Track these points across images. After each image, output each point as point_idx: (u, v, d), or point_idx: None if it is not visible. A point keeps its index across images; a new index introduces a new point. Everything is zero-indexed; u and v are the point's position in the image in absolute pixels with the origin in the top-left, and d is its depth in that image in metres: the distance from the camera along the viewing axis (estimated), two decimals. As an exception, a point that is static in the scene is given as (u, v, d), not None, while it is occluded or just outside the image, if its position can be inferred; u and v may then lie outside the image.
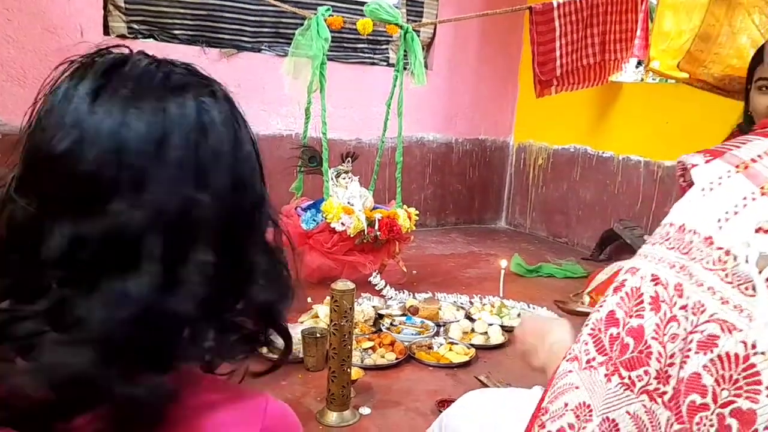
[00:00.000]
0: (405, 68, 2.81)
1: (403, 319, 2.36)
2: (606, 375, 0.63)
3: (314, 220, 2.60)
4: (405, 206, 2.82)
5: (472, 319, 2.41)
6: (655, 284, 0.62)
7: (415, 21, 3.79)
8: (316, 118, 2.75)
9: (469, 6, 3.88)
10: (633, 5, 3.28)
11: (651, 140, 3.47)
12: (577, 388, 0.65)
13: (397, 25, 2.73)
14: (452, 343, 2.17)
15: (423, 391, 1.86)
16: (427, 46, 3.98)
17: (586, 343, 0.66)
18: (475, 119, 4.23)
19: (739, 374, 0.54)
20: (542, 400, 0.68)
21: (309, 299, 2.51)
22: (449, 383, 1.94)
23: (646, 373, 0.60)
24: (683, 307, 0.59)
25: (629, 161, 3.60)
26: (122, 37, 3.09)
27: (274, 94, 3.42)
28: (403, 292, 2.65)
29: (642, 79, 3.70)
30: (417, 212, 2.84)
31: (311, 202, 2.75)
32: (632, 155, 3.58)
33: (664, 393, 0.59)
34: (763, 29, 2.76)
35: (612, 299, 0.65)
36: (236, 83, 3.33)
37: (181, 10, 3.20)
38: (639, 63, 3.60)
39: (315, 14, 2.61)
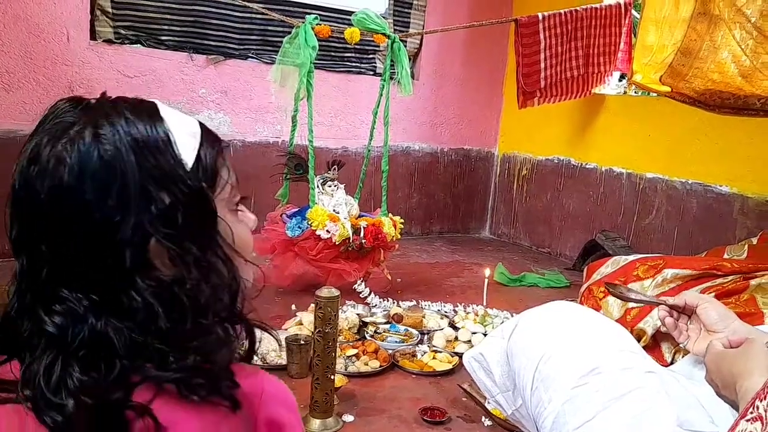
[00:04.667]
0: (392, 78, 2.82)
1: (387, 326, 2.37)
2: None
3: (299, 227, 2.60)
4: (390, 215, 2.84)
5: (456, 328, 2.42)
6: None
7: (402, 31, 3.82)
8: (302, 125, 2.76)
9: (456, 17, 3.91)
10: (617, 19, 3.33)
11: (633, 152, 3.52)
12: None
13: (384, 34, 2.75)
14: (436, 351, 2.18)
15: (406, 399, 1.87)
16: (414, 57, 4.00)
17: None
18: (460, 129, 4.26)
19: None
20: None
21: (293, 306, 2.51)
22: (432, 391, 1.94)
23: None
24: None
25: (612, 173, 3.64)
26: (109, 42, 3.09)
27: (260, 101, 3.42)
28: (388, 300, 2.66)
29: (625, 92, 3.76)
30: (402, 221, 2.85)
31: (297, 209, 2.75)
32: (615, 167, 3.62)
33: None
34: (743, 45, 2.82)
35: None
36: (223, 90, 3.35)
37: (169, 17, 3.20)
38: (622, 76, 3.65)
39: (303, 22, 2.62)
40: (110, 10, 3.07)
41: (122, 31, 3.12)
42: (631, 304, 2.18)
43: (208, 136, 0.71)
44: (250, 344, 0.73)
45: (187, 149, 0.67)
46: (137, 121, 0.65)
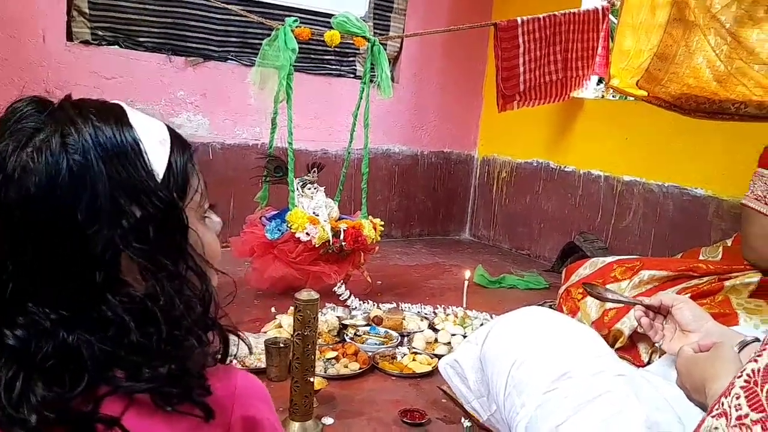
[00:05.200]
0: (371, 81, 2.83)
1: (367, 329, 2.37)
2: None
3: (279, 229, 2.60)
4: (370, 217, 2.84)
5: (435, 330, 2.42)
6: None
7: (382, 34, 3.83)
8: (282, 128, 2.75)
9: (435, 21, 3.93)
10: (594, 24, 3.36)
11: (611, 155, 3.56)
12: None
13: (364, 37, 2.75)
14: (416, 353, 2.19)
15: (386, 401, 1.87)
16: (394, 60, 4.01)
17: (738, 397, 0.57)
18: (440, 132, 4.28)
19: None
20: None
21: (273, 309, 2.50)
22: (412, 393, 1.95)
23: None
24: None
25: (590, 175, 3.68)
26: (86, 43, 3.05)
27: (240, 103, 3.41)
28: (368, 303, 2.66)
29: (603, 96, 3.79)
30: (382, 223, 2.85)
31: (276, 211, 2.74)
32: (593, 170, 3.66)
33: None
34: (718, 50, 2.86)
35: None
36: (202, 92, 3.33)
37: (147, 18, 3.17)
38: (600, 80, 3.69)
39: (282, 25, 2.61)
40: (87, 10, 3.04)
41: (99, 32, 3.09)
42: (609, 305, 2.20)
43: (177, 142, 0.69)
44: (225, 349, 0.72)
45: (158, 158, 0.65)
46: (105, 127, 0.62)
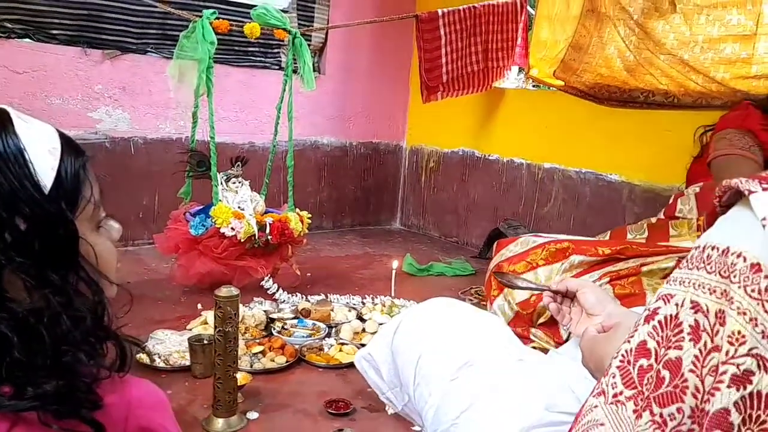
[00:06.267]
0: (295, 72, 2.82)
1: (295, 322, 2.38)
2: (635, 411, 0.58)
3: (203, 225, 2.57)
4: (297, 210, 2.84)
5: (363, 320, 2.46)
6: (695, 312, 0.56)
7: (307, 26, 3.81)
8: (205, 121, 2.71)
9: (360, 12, 3.94)
10: (513, 16, 3.45)
11: (532, 144, 3.67)
12: (602, 425, 0.60)
13: (285, 29, 2.74)
14: (342, 344, 2.21)
15: (312, 393, 1.89)
16: (320, 51, 4.01)
17: (614, 376, 0.61)
18: (368, 123, 4.31)
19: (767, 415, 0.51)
20: None
21: (199, 306, 2.48)
22: (338, 384, 1.97)
23: (679, 411, 0.55)
24: (724, 336, 0.53)
25: (513, 163, 3.78)
26: (-6, 36, 2.93)
27: (161, 96, 3.34)
28: (296, 295, 2.66)
29: (523, 86, 3.90)
30: (309, 215, 2.86)
31: (201, 207, 2.71)
32: (515, 158, 3.76)
33: None
34: (627, 41, 2.99)
35: (643, 329, 0.59)
36: (121, 86, 3.24)
37: (59, 9, 3.06)
38: (520, 70, 3.79)
39: (200, 17, 2.57)
40: (-6, 2, 2.91)
41: (8, 25, 2.96)
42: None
43: (68, 150, 0.66)
44: (122, 359, 0.70)
45: (45, 169, 0.63)
46: None
